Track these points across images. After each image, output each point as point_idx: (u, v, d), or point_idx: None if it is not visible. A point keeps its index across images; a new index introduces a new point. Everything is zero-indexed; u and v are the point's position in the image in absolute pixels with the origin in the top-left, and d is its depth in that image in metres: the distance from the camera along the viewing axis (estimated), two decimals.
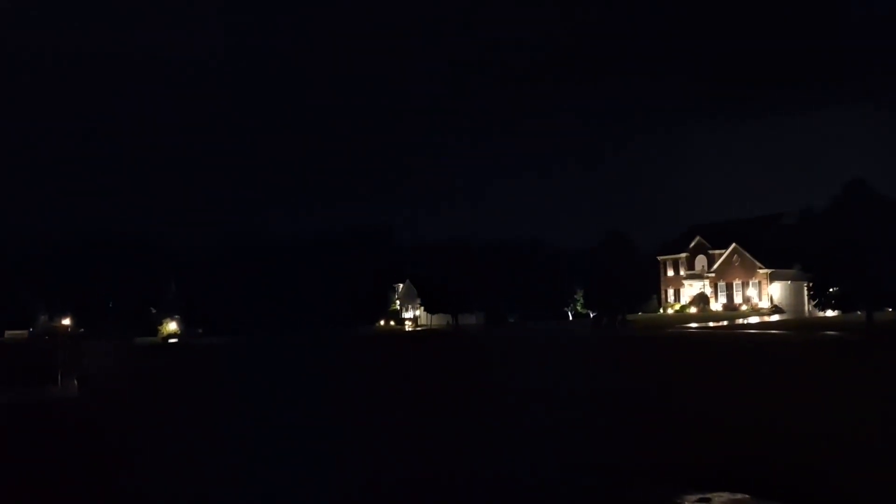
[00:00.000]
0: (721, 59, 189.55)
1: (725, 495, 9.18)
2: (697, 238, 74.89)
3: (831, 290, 42.31)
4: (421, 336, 66.89)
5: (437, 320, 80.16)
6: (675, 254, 77.40)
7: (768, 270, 66.38)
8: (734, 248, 69.61)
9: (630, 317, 63.26)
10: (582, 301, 77.83)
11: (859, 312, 43.38)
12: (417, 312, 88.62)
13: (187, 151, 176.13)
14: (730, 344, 37.91)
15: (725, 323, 56.44)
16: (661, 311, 75.37)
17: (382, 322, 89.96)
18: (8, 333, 79.77)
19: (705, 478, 9.97)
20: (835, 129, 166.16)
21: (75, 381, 24.73)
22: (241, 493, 10.09)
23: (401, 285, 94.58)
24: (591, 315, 70.37)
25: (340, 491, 10.16)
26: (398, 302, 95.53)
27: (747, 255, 68.12)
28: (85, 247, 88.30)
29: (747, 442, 12.20)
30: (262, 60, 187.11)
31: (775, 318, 58.91)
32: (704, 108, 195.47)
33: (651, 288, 75.68)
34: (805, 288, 57.35)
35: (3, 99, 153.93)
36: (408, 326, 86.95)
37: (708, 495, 9.20)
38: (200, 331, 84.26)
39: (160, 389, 25.18)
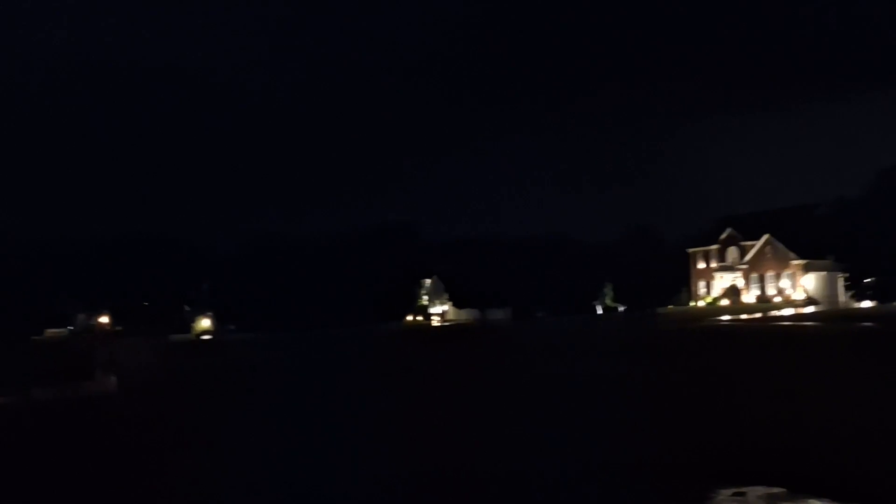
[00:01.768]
0: (750, 47, 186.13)
1: (761, 489, 9.09)
2: (729, 230, 73.81)
3: (867, 280, 41.48)
4: (449, 332, 66.98)
5: (465, 315, 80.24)
6: (705, 246, 76.38)
7: (802, 261, 65.18)
8: (767, 240, 68.47)
9: (660, 310, 62.69)
10: (611, 295, 77.26)
11: (895, 304, 42.49)
12: (445, 308, 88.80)
13: (219, 154, 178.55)
14: (763, 336, 37.34)
15: (759, 315, 55.56)
16: (692, 303, 74.49)
17: (410, 318, 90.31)
18: (48, 332, 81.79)
19: (739, 471, 9.89)
20: (866, 118, 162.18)
21: (113, 378, 25.28)
22: (288, 482, 10.26)
23: (428, 281, 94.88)
24: (620, 309, 69.82)
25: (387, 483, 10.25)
26: (425, 298, 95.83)
27: (780, 245, 66.96)
28: (122, 247, 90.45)
29: (783, 436, 12.07)
30: (286, 63, 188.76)
31: (810, 309, 57.83)
32: (732, 98, 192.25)
33: (681, 281, 74.88)
34: (840, 279, 56.37)
35: (43, 104, 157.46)
36: (435, 322, 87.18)
37: (743, 489, 9.12)
38: (233, 327, 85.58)
39: (196, 385, 25.65)
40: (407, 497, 9.70)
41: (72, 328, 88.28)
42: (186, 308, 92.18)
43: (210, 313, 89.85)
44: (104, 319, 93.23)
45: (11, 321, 74.46)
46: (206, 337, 78.03)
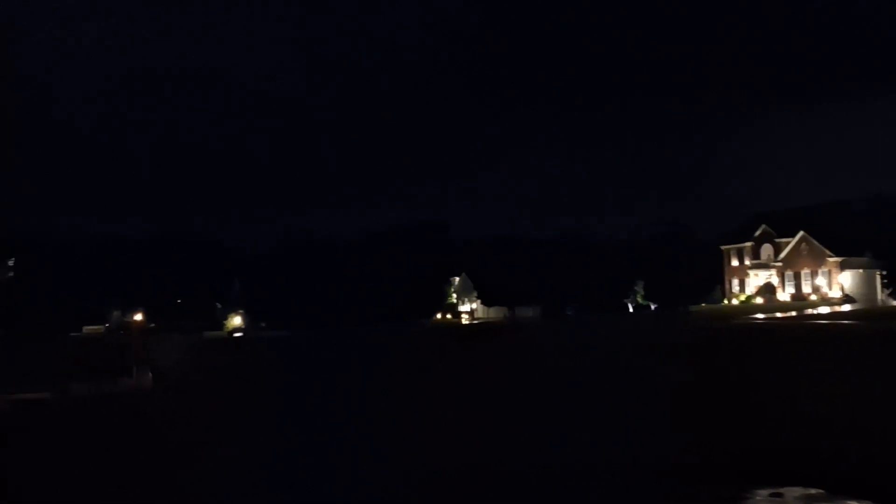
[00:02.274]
0: (784, 42, 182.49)
1: (798, 490, 8.95)
2: (763, 226, 72.49)
3: None
4: (477, 330, 66.92)
5: (494, 313, 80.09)
6: (738, 243, 75.13)
7: (838, 259, 63.75)
8: (802, 236, 67.11)
9: (693, 308, 61.86)
10: (642, 293, 76.45)
11: None
12: (474, 306, 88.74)
13: (251, 155, 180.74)
14: (800, 335, 36.61)
15: (794, 314, 54.47)
16: (726, 301, 73.34)
17: (439, 315, 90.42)
18: (86, 329, 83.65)
19: (772, 471, 9.75)
20: None
21: (150, 374, 25.76)
22: (323, 473, 10.38)
23: (457, 279, 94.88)
24: (653, 307, 69.05)
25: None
26: (454, 296, 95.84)
27: (816, 242, 65.58)
28: (157, 246, 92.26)
29: (816, 436, 11.86)
30: (313, 63, 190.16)
31: (846, 307, 56.53)
32: (765, 93, 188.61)
33: (714, 278, 73.80)
34: (878, 276, 55.02)
35: (79, 105, 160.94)
36: (464, 320, 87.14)
37: (780, 490, 8.99)
38: (263, 325, 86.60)
39: (230, 381, 26.03)
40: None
41: (108, 325, 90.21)
42: (219, 306, 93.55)
43: (241, 311, 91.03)
44: (138, 317, 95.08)
45: (51, 318, 76.45)
46: (237, 334, 79.05)
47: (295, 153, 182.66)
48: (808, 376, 19.58)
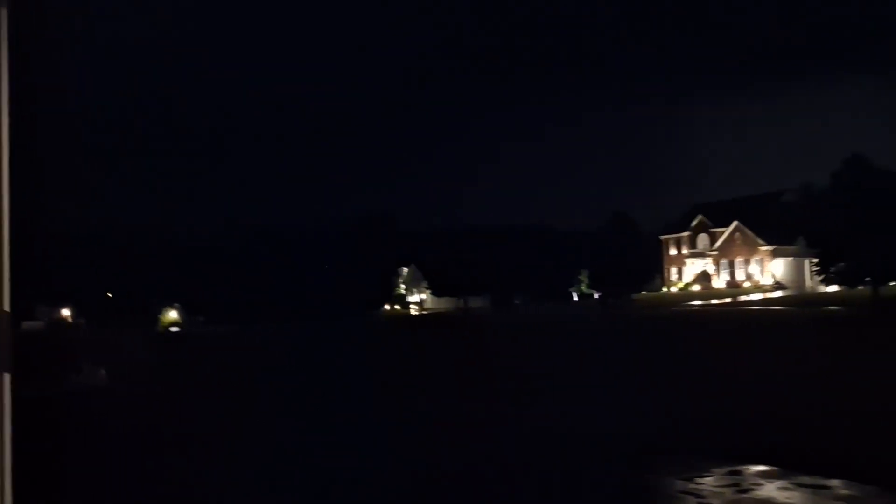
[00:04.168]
0: (722, 35, 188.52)
1: (755, 467, 9.77)
2: (699, 217, 75.43)
3: (834, 266, 42.93)
4: (425, 321, 67.60)
5: (444, 304, 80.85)
6: (677, 233, 77.99)
7: (770, 247, 67.00)
8: (736, 226, 70.18)
9: (634, 296, 63.99)
10: (587, 282, 78.53)
11: (861, 287, 44.02)
12: (423, 296, 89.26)
13: (190, 144, 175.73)
14: (733, 320, 38.61)
15: (728, 300, 57.14)
16: (665, 289, 76.11)
17: (388, 307, 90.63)
18: (24, 324, 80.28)
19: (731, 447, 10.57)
20: (836, 104, 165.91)
21: (103, 371, 25.24)
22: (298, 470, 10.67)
23: (405, 270, 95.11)
24: (596, 296, 71.07)
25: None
26: (403, 287, 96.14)
27: (749, 232, 68.70)
28: (86, 236, 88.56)
29: (758, 414, 12.85)
30: (263, 53, 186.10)
31: (778, 294, 59.60)
32: (706, 86, 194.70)
33: (654, 267, 76.39)
34: (807, 264, 58.16)
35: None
36: (413, 311, 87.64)
37: (738, 468, 9.78)
38: (202, 319, 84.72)
39: (186, 378, 25.78)
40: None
41: (47, 320, 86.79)
42: (153, 300, 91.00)
43: (178, 305, 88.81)
44: (65, 312, 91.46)
45: None
46: (174, 329, 77.24)
47: (238, 144, 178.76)
48: (741, 356, 20.89)
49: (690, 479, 9.09)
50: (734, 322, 37.36)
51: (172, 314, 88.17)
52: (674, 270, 78.07)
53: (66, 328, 79.97)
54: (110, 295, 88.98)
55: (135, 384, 22.88)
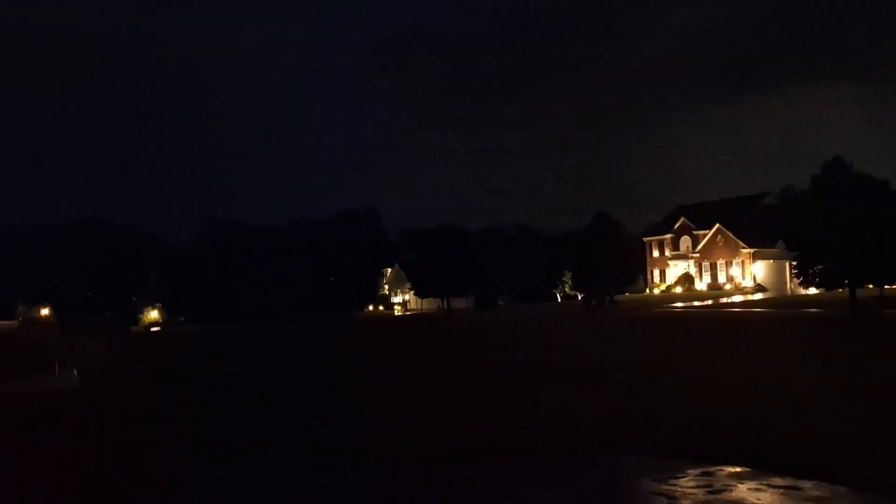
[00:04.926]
0: (706, 38, 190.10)
1: (728, 468, 9.67)
2: (682, 219, 75.76)
3: (813, 268, 43.13)
4: (407, 321, 67.27)
5: (427, 304, 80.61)
6: (660, 235, 78.29)
7: (751, 250, 67.43)
8: (717, 229, 70.56)
9: (617, 297, 64.14)
10: (570, 283, 78.64)
11: (841, 290, 44.31)
12: (407, 297, 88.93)
13: (171, 141, 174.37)
14: (715, 321, 38.76)
15: (710, 302, 57.39)
16: (648, 291, 76.37)
17: (371, 307, 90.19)
18: (0, 323, 79.05)
19: (701, 448, 10.48)
20: (818, 108, 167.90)
21: (75, 371, 24.79)
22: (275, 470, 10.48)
23: (389, 270, 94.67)
24: (579, 296, 71.15)
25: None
26: (387, 287, 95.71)
27: (730, 234, 69.11)
28: (65, 236, 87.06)
29: (736, 414, 12.78)
30: (244, 50, 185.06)
31: (758, 296, 59.96)
32: (692, 89, 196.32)
33: (638, 269, 76.68)
34: (788, 266, 58.51)
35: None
36: (397, 311, 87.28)
37: (710, 468, 9.68)
38: (182, 318, 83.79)
39: (161, 377, 25.38)
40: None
41: (21, 319, 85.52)
42: (133, 299, 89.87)
43: (158, 304, 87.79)
44: (45, 311, 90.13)
45: None
46: (155, 329, 76.26)
47: (221, 140, 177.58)
48: (723, 357, 20.91)
49: (663, 481, 8.98)
50: (714, 324, 37.48)
51: (153, 314, 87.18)
52: (657, 272, 78.38)
53: (42, 327, 78.86)
54: (90, 294, 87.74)
55: (105, 386, 22.46)
